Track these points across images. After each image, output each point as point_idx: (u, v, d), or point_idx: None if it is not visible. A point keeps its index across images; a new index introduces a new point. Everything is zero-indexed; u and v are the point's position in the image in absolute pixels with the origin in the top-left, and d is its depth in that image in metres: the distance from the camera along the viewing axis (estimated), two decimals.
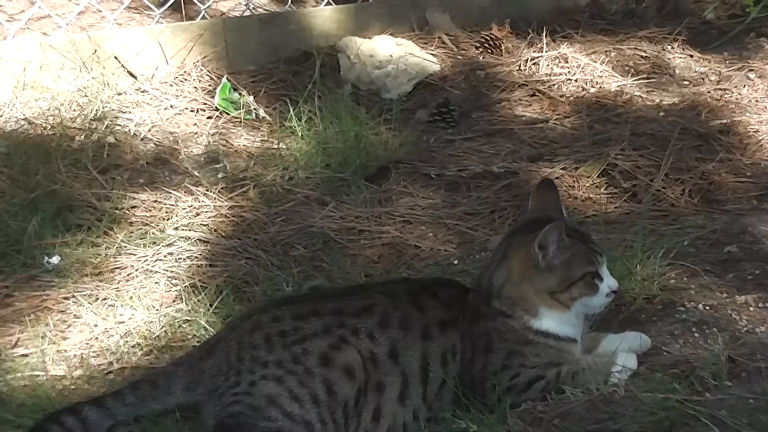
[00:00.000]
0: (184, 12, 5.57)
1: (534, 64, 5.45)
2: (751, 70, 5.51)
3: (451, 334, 3.28)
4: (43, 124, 4.72)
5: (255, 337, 3.21)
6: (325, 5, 5.66)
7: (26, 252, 4.01)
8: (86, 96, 4.88)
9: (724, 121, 4.94)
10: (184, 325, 3.67)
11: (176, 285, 3.89)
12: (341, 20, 5.58)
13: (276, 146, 4.76)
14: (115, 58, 5.06)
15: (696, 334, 3.51)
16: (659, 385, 3.19)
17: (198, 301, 3.76)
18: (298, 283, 3.91)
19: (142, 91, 5.03)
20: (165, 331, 3.65)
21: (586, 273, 3.27)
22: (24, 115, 4.79)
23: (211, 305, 3.72)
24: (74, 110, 4.83)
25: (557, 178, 4.43)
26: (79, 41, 5.01)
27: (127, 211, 4.27)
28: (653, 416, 3.08)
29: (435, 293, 3.37)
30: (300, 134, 4.73)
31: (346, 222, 4.29)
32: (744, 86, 5.34)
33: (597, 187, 4.47)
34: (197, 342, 3.56)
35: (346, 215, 4.33)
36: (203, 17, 5.43)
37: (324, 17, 5.56)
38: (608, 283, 3.30)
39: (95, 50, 5.03)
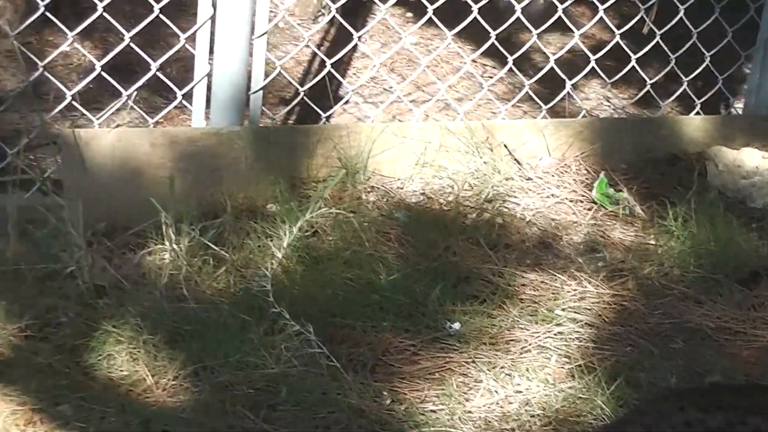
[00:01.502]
0: (567, 109, 5.54)
1: None
2: None
3: None
4: (440, 200, 4.76)
5: (661, 425, 3.08)
6: (695, 114, 5.53)
7: (429, 315, 4.00)
8: (477, 178, 4.89)
9: None
10: (577, 402, 3.58)
11: (567, 363, 3.80)
12: (708, 129, 5.44)
13: (650, 242, 4.64)
14: (504, 146, 5.06)
15: None
16: None
17: (589, 380, 3.66)
18: (681, 375, 3.76)
19: (526, 179, 5.00)
20: (562, 405, 3.56)
21: None
22: (423, 189, 4.84)
23: (606, 386, 3.61)
24: (467, 190, 4.84)
25: None
26: (475, 128, 5.03)
27: (517, 288, 4.22)
28: None
29: None
30: (676, 234, 4.59)
31: (722, 322, 4.12)
32: None
33: None
34: (593, 420, 3.47)
35: (720, 315, 4.16)
36: (583, 116, 5.39)
37: (692, 125, 5.42)
38: None
39: (487, 137, 5.04)
